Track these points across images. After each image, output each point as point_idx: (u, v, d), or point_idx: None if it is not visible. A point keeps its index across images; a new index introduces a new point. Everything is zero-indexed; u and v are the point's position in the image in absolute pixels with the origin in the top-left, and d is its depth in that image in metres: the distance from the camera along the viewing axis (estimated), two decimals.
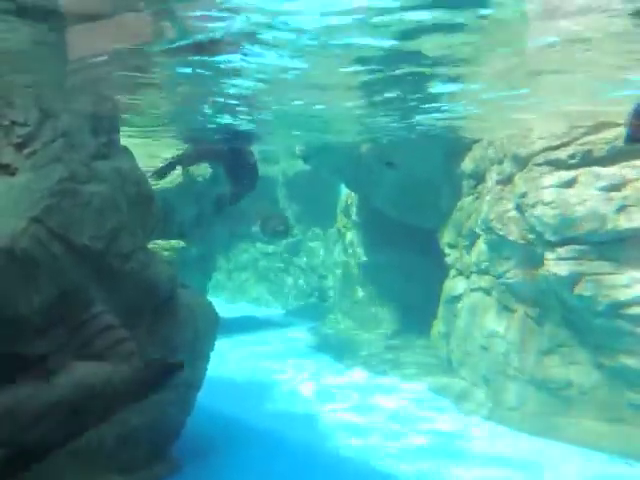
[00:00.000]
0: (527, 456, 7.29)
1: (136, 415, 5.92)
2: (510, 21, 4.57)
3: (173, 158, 11.05)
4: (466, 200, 10.12)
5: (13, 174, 5.28)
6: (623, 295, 7.00)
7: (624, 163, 7.44)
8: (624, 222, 7.11)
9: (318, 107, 7.97)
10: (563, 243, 7.53)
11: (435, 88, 6.76)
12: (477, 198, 9.73)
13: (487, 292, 9.11)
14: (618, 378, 7.27)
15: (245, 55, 5.26)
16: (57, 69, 5.77)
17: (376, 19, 4.33)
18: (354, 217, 13.54)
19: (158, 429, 6.26)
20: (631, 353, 7.07)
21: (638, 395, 7.11)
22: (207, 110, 8.41)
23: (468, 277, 9.73)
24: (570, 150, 7.77)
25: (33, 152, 5.37)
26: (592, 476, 6.75)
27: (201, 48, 5.02)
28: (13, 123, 5.46)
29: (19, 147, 5.39)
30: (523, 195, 8.10)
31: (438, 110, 8.09)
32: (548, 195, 7.71)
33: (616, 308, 7.06)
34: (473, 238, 9.61)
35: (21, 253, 4.77)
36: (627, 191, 7.28)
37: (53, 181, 5.19)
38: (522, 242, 8.14)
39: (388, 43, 4.93)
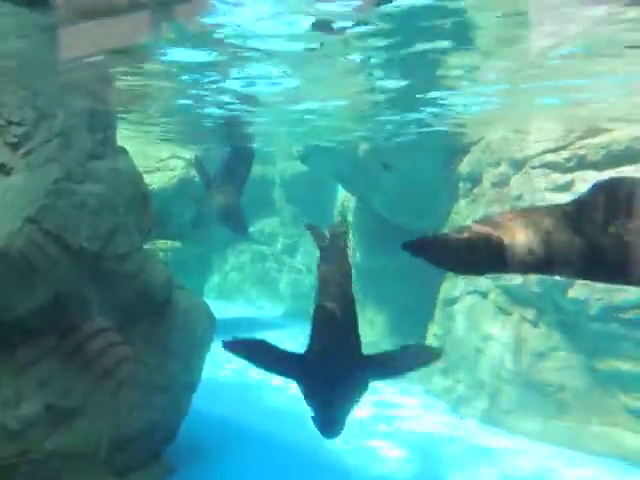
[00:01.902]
0: (521, 459, 7.30)
1: (132, 418, 5.90)
2: None
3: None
4: (463, 202, 10.13)
5: (8, 174, 5.26)
6: (617, 299, 7.02)
7: (620, 167, 7.46)
8: None
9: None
10: None
11: None
12: (474, 201, 9.74)
13: (483, 295, 9.12)
14: (612, 382, 7.28)
15: None
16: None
17: None
18: (351, 219, 13.53)
19: (154, 431, 6.24)
20: (625, 357, 7.09)
21: (632, 399, 7.13)
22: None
23: (465, 279, 9.74)
24: (566, 153, 7.79)
25: (29, 152, 5.35)
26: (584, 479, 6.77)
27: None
28: (9, 123, 5.44)
29: (15, 147, 5.37)
30: (519, 198, 8.11)
31: None
32: (544, 198, 7.72)
33: (610, 312, 7.08)
34: None
35: (16, 255, 4.75)
36: None
37: (49, 181, 5.16)
38: None
39: None
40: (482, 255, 2.89)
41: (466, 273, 2.95)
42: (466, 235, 2.91)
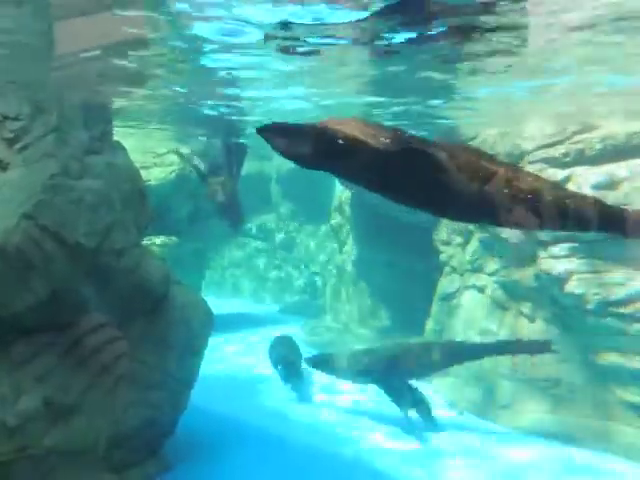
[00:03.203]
0: (517, 453, 7.34)
1: (129, 414, 5.90)
2: None
3: None
4: None
5: (5, 169, 5.23)
6: (614, 294, 7.05)
7: (617, 162, 7.48)
8: None
9: None
10: (555, 241, 7.57)
11: None
12: None
13: (480, 290, 9.14)
14: (608, 377, 7.32)
15: None
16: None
17: None
18: (348, 214, 13.52)
19: (151, 428, 6.23)
20: (621, 352, 7.12)
21: (628, 394, 7.17)
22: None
23: (462, 275, 9.76)
24: (563, 149, 7.80)
25: (25, 147, 5.32)
26: (580, 474, 6.81)
27: None
28: (5, 118, 5.40)
29: (11, 142, 5.34)
30: None
31: None
32: None
33: (607, 306, 7.11)
34: (467, 236, 9.63)
35: (13, 251, 4.72)
36: (619, 190, 7.33)
37: (45, 176, 5.13)
38: (515, 240, 8.19)
39: None
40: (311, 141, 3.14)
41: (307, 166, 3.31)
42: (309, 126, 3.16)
